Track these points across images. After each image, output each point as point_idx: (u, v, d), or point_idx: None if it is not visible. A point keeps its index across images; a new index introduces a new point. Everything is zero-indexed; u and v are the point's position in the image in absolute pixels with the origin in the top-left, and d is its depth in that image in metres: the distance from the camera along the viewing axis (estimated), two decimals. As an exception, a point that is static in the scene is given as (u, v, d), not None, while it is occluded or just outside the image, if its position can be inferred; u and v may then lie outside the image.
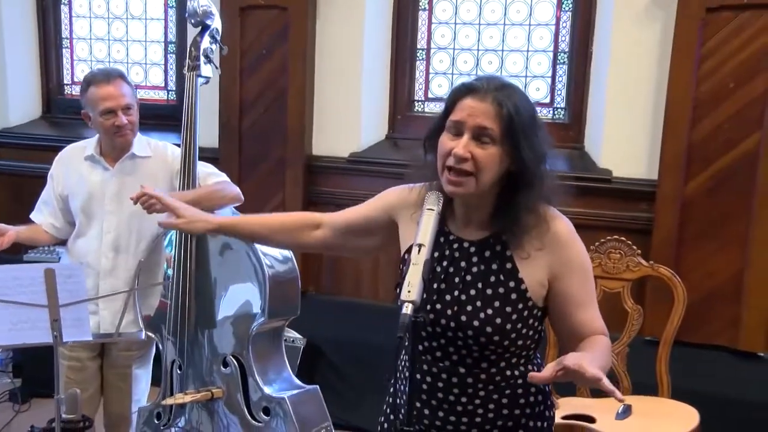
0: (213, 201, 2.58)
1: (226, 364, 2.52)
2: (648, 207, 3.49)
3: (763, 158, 3.25)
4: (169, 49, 4.54)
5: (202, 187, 2.60)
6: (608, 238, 2.80)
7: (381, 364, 3.82)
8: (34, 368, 3.99)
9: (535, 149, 1.52)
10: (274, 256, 2.54)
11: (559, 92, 3.90)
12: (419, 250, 1.40)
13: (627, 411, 2.52)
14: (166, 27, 4.53)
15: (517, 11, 3.93)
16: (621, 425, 2.44)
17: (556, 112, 3.90)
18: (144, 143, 2.72)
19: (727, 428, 3.06)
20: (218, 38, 2.78)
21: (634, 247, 2.78)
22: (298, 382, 2.65)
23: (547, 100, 3.91)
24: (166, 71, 4.56)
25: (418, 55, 4.09)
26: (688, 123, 3.34)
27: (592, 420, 2.44)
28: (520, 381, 1.63)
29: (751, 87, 3.22)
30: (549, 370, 1.39)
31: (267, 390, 2.47)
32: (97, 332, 2.65)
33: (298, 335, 3.81)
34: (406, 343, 1.53)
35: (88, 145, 2.74)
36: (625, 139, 3.57)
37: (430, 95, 4.13)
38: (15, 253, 3.80)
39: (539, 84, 3.93)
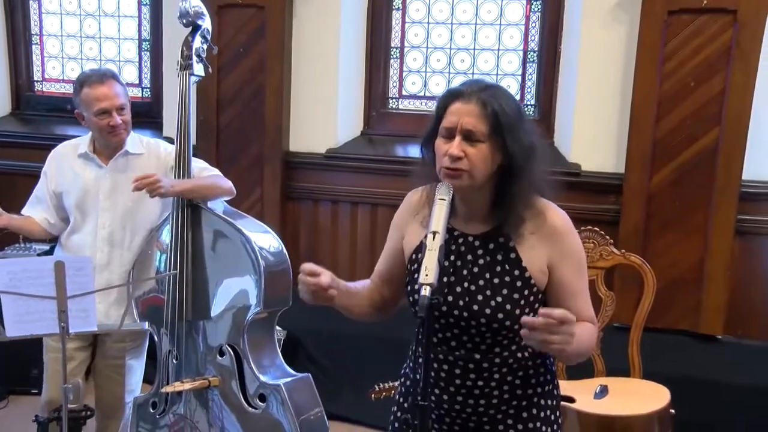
0: (208, 191, 2.67)
1: (222, 353, 2.60)
2: (615, 199, 3.66)
3: (722, 152, 3.45)
4: (143, 46, 4.56)
5: (198, 177, 2.68)
6: (582, 228, 2.95)
7: (358, 354, 3.96)
8: (9, 367, 3.99)
9: (522, 143, 1.65)
10: (267, 249, 2.63)
11: (529, 90, 4.06)
12: (434, 237, 1.50)
13: (604, 391, 2.69)
14: (140, 24, 4.55)
15: (488, 11, 4.07)
16: (599, 404, 2.60)
17: (526, 109, 4.06)
18: (137, 141, 2.78)
19: (692, 406, 3.24)
20: (209, 38, 2.87)
21: (607, 237, 2.95)
22: (290, 370, 2.75)
23: (518, 98, 4.05)
24: (140, 69, 4.58)
25: (392, 53, 4.21)
26: (653, 119, 3.52)
27: (572, 400, 2.59)
28: (530, 362, 1.74)
29: (710, 86, 3.42)
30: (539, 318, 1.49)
31: (263, 377, 2.56)
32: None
33: (278, 327, 3.88)
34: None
35: (81, 143, 2.79)
36: (593, 134, 3.74)
37: (404, 92, 4.24)
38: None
39: (510, 82, 4.08)
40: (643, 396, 2.66)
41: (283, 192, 4.12)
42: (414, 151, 4.25)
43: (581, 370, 2.87)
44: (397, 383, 2.90)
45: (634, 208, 3.60)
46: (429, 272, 1.45)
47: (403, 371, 1.93)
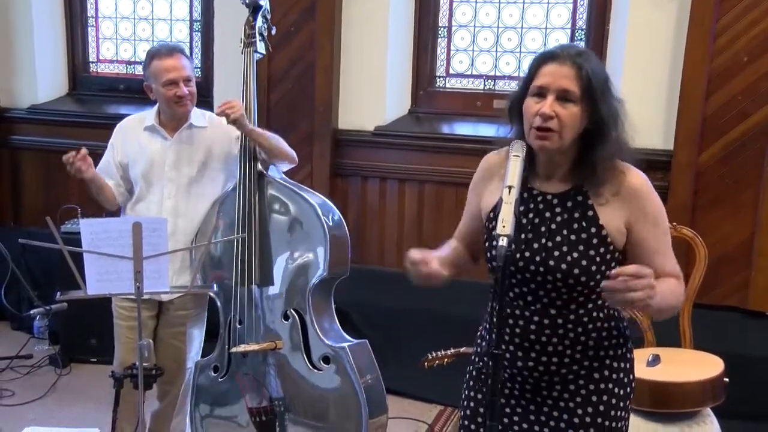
0: (275, 144, 2.81)
1: (287, 317, 2.70)
2: (663, 176, 3.67)
3: (774, 128, 3.45)
4: (194, 27, 4.66)
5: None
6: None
7: (403, 328, 4.03)
8: (69, 335, 4.16)
9: (611, 107, 1.70)
10: (330, 216, 2.74)
11: (576, 68, 4.07)
12: (509, 191, 1.58)
13: (656, 360, 2.73)
14: (191, 5, 4.65)
15: (536, -10, 4.10)
16: (653, 371, 2.64)
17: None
18: (200, 114, 2.88)
19: (742, 382, 3.25)
20: (269, 18, 2.97)
21: (659, 211, 2.97)
22: (347, 335, 2.84)
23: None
24: (191, 49, 4.68)
25: (439, 32, 4.25)
26: (703, 96, 3.52)
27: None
28: (605, 324, 1.78)
29: (764, 61, 3.41)
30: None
31: (327, 340, 2.65)
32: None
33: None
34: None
35: (147, 116, 2.90)
36: (641, 111, 3.68)
37: (451, 71, 4.29)
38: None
39: (557, 60, 4.10)
40: (696, 365, 2.70)
41: (332, 169, 4.20)
42: (460, 129, 4.36)
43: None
44: (450, 351, 3.00)
45: (682, 184, 3.61)
46: (506, 224, 1.52)
47: (479, 333, 1.97)
